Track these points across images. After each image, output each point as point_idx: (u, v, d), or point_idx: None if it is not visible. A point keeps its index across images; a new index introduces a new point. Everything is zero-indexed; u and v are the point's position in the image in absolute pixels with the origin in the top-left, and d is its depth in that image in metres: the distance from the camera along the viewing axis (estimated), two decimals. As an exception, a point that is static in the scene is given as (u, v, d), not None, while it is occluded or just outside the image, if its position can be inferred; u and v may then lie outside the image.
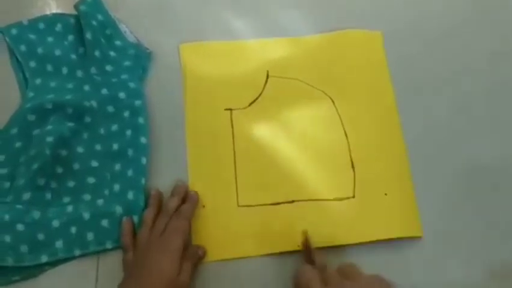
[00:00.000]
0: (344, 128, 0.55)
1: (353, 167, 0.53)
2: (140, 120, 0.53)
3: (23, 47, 0.54)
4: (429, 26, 0.61)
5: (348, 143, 0.54)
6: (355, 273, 0.42)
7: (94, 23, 0.55)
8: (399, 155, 0.54)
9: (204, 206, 0.51)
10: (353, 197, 0.52)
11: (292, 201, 0.51)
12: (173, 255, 0.45)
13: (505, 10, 0.63)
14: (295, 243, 0.50)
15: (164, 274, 0.44)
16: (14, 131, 0.51)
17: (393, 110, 0.56)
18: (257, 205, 0.51)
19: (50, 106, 0.51)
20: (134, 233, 0.48)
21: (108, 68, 0.55)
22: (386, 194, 0.52)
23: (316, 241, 0.50)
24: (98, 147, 0.52)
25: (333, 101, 0.56)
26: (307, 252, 0.48)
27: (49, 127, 0.51)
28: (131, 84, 0.54)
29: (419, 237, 0.51)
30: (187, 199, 0.50)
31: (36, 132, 0.51)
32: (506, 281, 0.51)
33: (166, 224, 0.47)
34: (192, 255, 0.48)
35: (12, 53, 0.55)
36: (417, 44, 0.60)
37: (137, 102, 0.53)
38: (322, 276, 0.41)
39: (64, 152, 0.51)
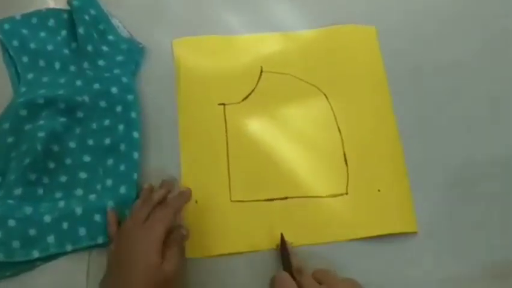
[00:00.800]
0: (337, 124, 0.54)
1: (346, 163, 0.53)
2: (133, 115, 0.52)
3: (15, 42, 0.54)
4: (424, 20, 0.61)
5: (342, 139, 0.54)
6: (330, 279, 0.42)
7: (87, 17, 0.55)
8: (394, 151, 0.54)
9: (196, 202, 0.50)
10: (346, 193, 0.52)
11: (286, 198, 0.51)
12: (154, 244, 0.43)
13: (498, 3, 0.62)
14: (289, 240, 0.49)
15: (144, 263, 0.42)
16: (6, 126, 0.51)
17: (388, 106, 0.56)
18: (250, 201, 0.51)
19: (42, 101, 0.51)
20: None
21: (100, 62, 0.54)
22: (379, 190, 0.52)
23: (309, 238, 0.50)
24: (90, 142, 0.52)
25: (326, 97, 0.56)
26: (284, 255, 0.47)
27: (41, 122, 0.51)
28: (124, 79, 0.54)
29: (414, 233, 0.51)
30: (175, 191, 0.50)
31: (28, 127, 0.51)
32: (502, 278, 0.51)
33: (149, 213, 0.46)
34: (175, 239, 0.46)
35: (4, 48, 0.55)
36: (413, 39, 0.60)
37: (130, 97, 0.53)
38: (299, 284, 0.41)
39: (55, 147, 0.51)
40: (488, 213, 0.53)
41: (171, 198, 0.48)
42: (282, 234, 0.48)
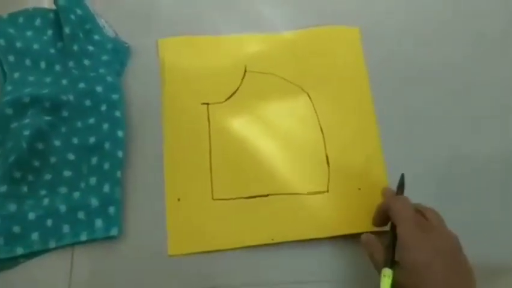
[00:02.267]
0: (319, 123, 0.55)
1: (327, 161, 0.53)
2: (117, 113, 0.53)
3: (1, 41, 0.54)
4: (408, 22, 0.61)
5: (324, 138, 0.54)
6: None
7: (73, 17, 0.55)
8: (375, 150, 0.55)
9: (178, 200, 0.51)
10: (327, 191, 0.52)
11: (267, 195, 0.52)
12: None
13: (484, 5, 0.63)
14: (269, 237, 0.50)
15: None
16: (-9, 124, 0.51)
17: (369, 106, 0.57)
18: (232, 198, 0.51)
19: (27, 100, 0.52)
20: None
21: (86, 62, 0.55)
22: (359, 189, 0.52)
23: (291, 234, 0.50)
24: (75, 140, 0.53)
25: (309, 97, 0.56)
26: (400, 190, 0.48)
27: (26, 120, 0.51)
28: (109, 78, 0.54)
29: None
30: None
31: (13, 125, 0.51)
32: (489, 278, 0.51)
33: None
34: None
35: (-10, 47, 0.55)
36: (396, 40, 0.60)
37: (115, 96, 0.54)
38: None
39: (40, 145, 0.51)
40: (471, 211, 0.54)
41: None
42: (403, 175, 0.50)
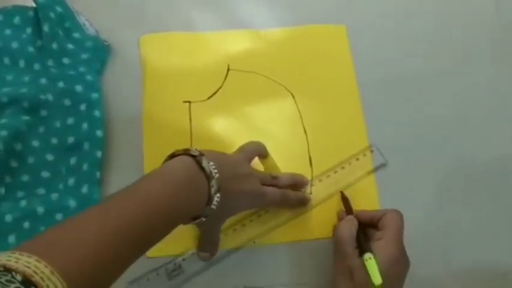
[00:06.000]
0: (303, 124, 0.54)
1: (311, 164, 0.52)
2: (97, 113, 0.52)
3: (-20, 40, 0.54)
4: (394, 20, 0.60)
5: (307, 139, 0.53)
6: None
7: (52, 15, 0.54)
8: (361, 152, 0.53)
9: (158, 201, 0.50)
10: (310, 193, 0.51)
11: (249, 197, 0.51)
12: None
13: (470, 7, 0.62)
14: (251, 240, 0.49)
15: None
16: (-31, 124, 0.50)
17: (357, 107, 0.55)
18: (212, 200, 0.50)
19: (5, 99, 0.51)
20: None
21: (65, 60, 0.54)
22: (341, 192, 0.51)
23: (273, 237, 0.50)
24: (53, 140, 0.52)
25: (293, 96, 0.55)
26: (347, 208, 0.49)
27: (4, 121, 0.50)
28: (89, 77, 0.53)
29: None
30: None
31: (-10, 126, 0.50)
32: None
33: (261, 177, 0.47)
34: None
35: (-31, 46, 0.54)
36: (384, 39, 0.59)
37: (94, 95, 0.53)
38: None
39: (18, 146, 0.50)
40: (463, 217, 0.53)
41: (293, 194, 0.48)
42: (341, 192, 0.50)
